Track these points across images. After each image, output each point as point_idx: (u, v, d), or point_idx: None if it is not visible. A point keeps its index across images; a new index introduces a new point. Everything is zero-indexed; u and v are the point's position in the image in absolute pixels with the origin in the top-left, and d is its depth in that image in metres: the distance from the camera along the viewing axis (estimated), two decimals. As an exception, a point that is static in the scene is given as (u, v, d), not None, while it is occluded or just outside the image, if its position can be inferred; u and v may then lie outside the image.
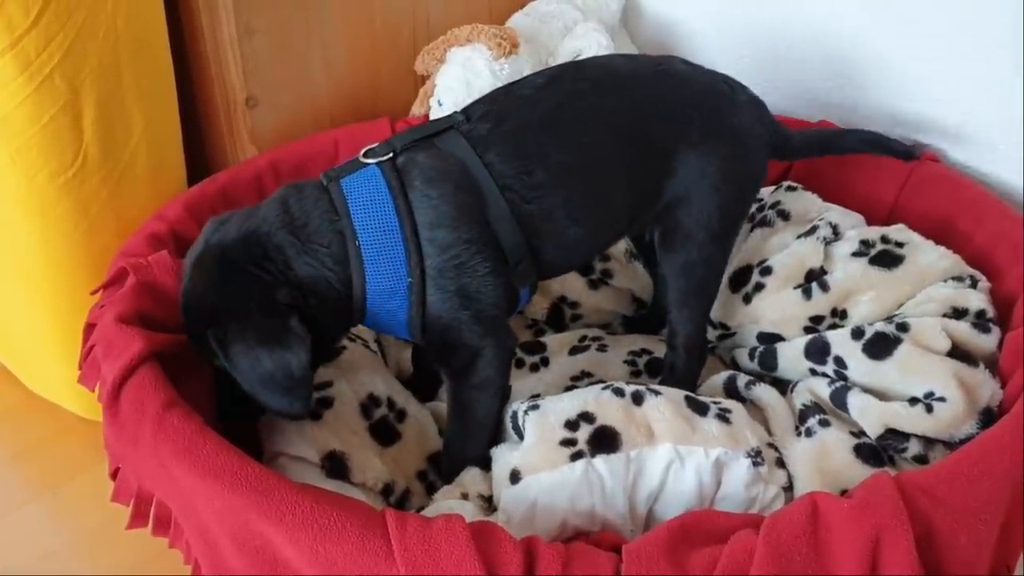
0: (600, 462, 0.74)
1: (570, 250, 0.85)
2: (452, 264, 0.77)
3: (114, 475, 0.80)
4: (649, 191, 0.86)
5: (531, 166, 0.80)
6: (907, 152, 1.00)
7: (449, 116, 0.83)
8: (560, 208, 0.81)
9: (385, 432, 0.88)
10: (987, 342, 0.85)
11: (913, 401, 0.82)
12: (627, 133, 0.84)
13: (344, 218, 0.77)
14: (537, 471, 0.75)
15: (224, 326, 0.73)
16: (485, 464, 0.81)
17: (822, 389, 0.87)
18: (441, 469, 0.87)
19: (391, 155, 0.80)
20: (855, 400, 0.84)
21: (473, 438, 0.84)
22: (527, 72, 1.15)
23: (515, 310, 0.85)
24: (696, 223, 0.86)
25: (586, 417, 0.77)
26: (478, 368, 0.81)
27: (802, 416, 0.86)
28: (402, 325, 0.80)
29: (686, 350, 0.92)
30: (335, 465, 0.82)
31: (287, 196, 0.79)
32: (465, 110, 0.84)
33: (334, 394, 0.87)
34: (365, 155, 0.80)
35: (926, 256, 0.93)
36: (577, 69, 0.87)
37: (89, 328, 0.86)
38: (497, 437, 0.84)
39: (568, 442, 0.76)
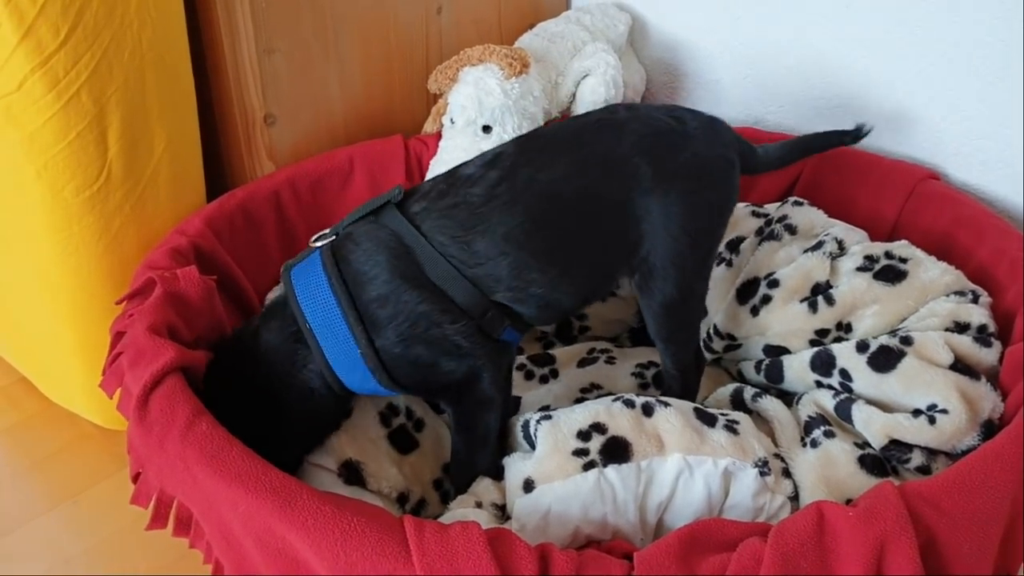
0: (612, 472, 0.76)
1: (542, 308, 0.83)
2: (400, 326, 0.78)
3: (135, 478, 0.81)
4: (613, 247, 0.85)
5: (471, 237, 0.80)
6: (856, 133, 0.99)
7: (388, 192, 0.84)
8: (509, 275, 0.80)
9: (403, 440, 0.90)
10: (988, 356, 0.87)
11: (916, 413, 0.83)
12: (573, 199, 0.82)
13: (295, 307, 0.80)
14: (550, 480, 0.77)
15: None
16: (496, 474, 0.83)
17: (827, 401, 0.89)
18: (452, 481, 0.89)
19: (334, 236, 0.83)
20: (859, 412, 0.85)
21: (478, 452, 0.85)
22: (537, 91, 1.17)
23: (504, 342, 0.85)
24: (671, 264, 0.85)
25: (598, 428, 0.79)
26: (473, 391, 0.83)
27: (807, 427, 0.88)
28: (379, 389, 0.81)
29: (681, 371, 0.92)
30: (351, 473, 0.84)
31: (260, 330, 0.83)
32: (408, 190, 0.85)
33: (353, 403, 0.89)
34: (315, 240, 0.84)
35: (929, 272, 0.94)
36: (521, 143, 0.87)
37: (118, 336, 0.87)
38: (504, 445, 0.86)
39: (580, 452, 0.77)
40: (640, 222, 0.84)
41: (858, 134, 0.99)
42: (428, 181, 0.86)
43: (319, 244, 0.83)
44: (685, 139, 0.86)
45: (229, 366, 0.84)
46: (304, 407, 0.82)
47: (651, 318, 0.89)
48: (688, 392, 0.94)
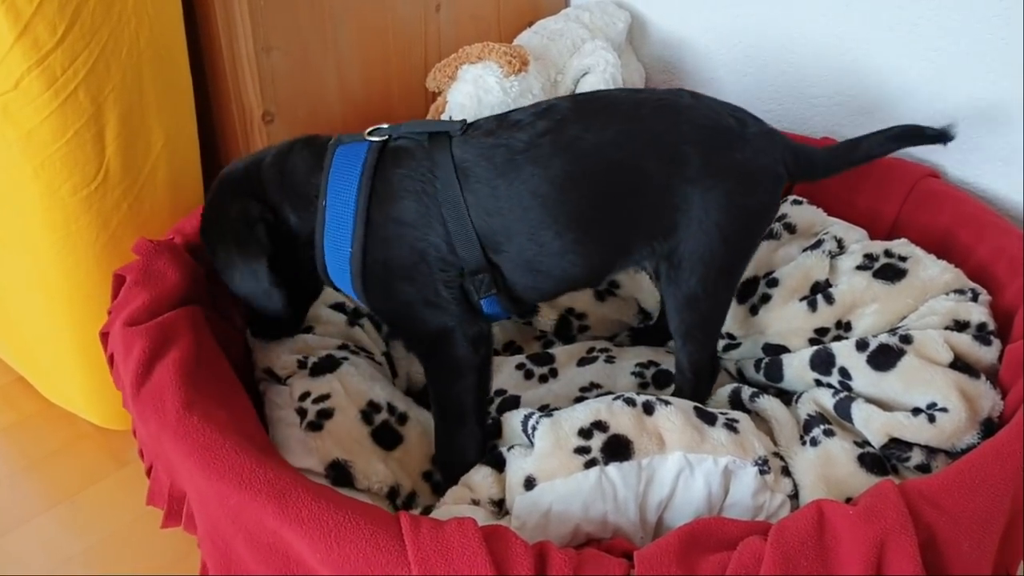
0: (613, 470, 0.76)
1: (541, 276, 0.84)
2: (395, 250, 0.82)
3: (149, 472, 0.81)
4: (642, 227, 0.85)
5: (499, 182, 0.82)
6: (941, 134, 0.92)
7: (452, 121, 0.88)
8: (524, 230, 0.82)
9: (387, 436, 0.90)
10: (988, 354, 0.87)
11: (916, 411, 0.83)
12: (614, 168, 0.83)
13: (323, 179, 0.84)
14: (552, 478, 0.77)
15: (212, 234, 0.88)
16: (495, 465, 0.82)
17: (826, 400, 0.89)
18: (437, 464, 0.89)
19: (387, 139, 0.86)
20: (859, 410, 0.85)
21: (458, 431, 0.86)
22: (536, 89, 1.17)
23: (479, 313, 0.86)
24: (699, 258, 0.85)
25: (599, 426, 0.79)
26: (443, 351, 0.84)
27: (807, 426, 0.88)
28: (350, 289, 0.85)
29: (694, 374, 0.92)
30: (339, 473, 0.84)
31: (295, 145, 0.88)
32: (466, 124, 0.87)
33: (333, 405, 0.89)
34: (370, 133, 0.87)
35: (928, 270, 0.94)
36: (575, 100, 0.87)
37: (104, 337, 0.88)
38: (487, 430, 0.87)
39: (582, 450, 0.77)
40: (676, 210, 0.84)
41: (947, 134, 0.92)
42: (481, 119, 0.88)
43: (372, 139, 0.86)
44: (741, 141, 0.85)
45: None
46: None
47: (674, 310, 0.89)
48: (698, 397, 0.93)
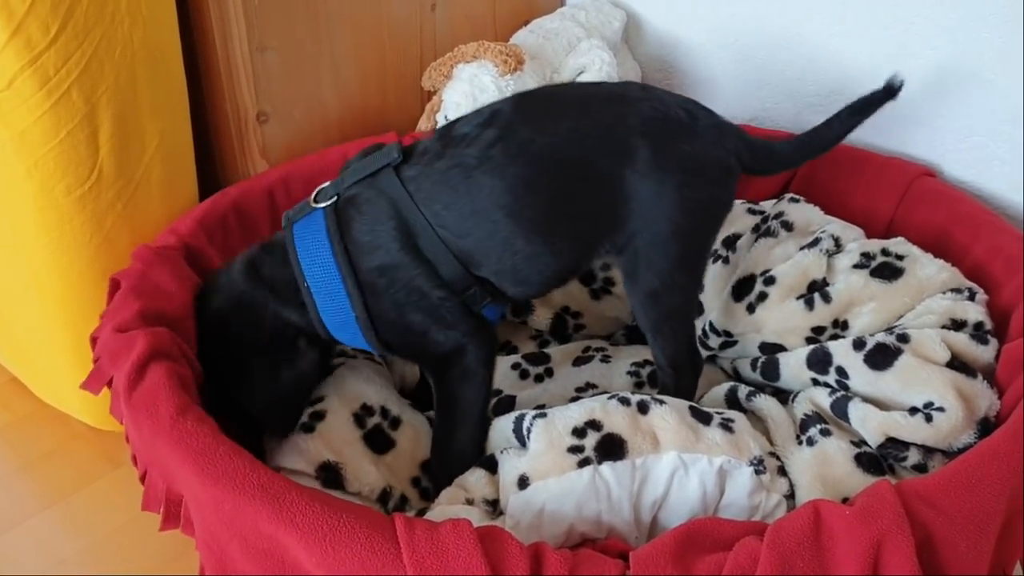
0: (607, 469, 0.76)
1: (523, 280, 0.85)
2: (397, 295, 0.82)
3: (142, 479, 0.81)
4: (600, 221, 0.85)
5: (460, 202, 0.81)
6: (887, 90, 0.93)
7: (387, 152, 0.86)
8: (498, 243, 0.82)
9: (379, 440, 0.89)
10: (985, 353, 0.87)
11: (913, 411, 0.83)
12: (565, 165, 0.82)
13: (295, 263, 0.83)
14: (545, 477, 0.76)
15: (239, 377, 0.85)
16: (489, 467, 0.82)
17: (823, 399, 0.89)
18: (431, 468, 0.88)
19: (336, 197, 0.84)
20: (855, 410, 0.85)
21: (460, 431, 0.86)
22: (532, 88, 1.17)
23: (485, 320, 0.87)
24: (655, 251, 0.85)
25: (593, 425, 0.78)
26: (457, 366, 0.84)
27: (803, 425, 0.87)
28: (367, 347, 0.86)
29: (673, 368, 0.91)
30: (330, 475, 0.84)
31: (255, 259, 0.87)
32: (406, 148, 0.86)
33: (326, 408, 0.89)
34: (315, 198, 0.86)
35: (925, 269, 0.94)
36: (519, 102, 0.87)
37: (93, 342, 0.88)
38: (487, 436, 0.86)
39: (576, 449, 0.77)
40: (629, 201, 0.83)
41: (892, 87, 0.93)
42: (423, 141, 0.87)
43: (321, 205, 0.85)
44: (691, 133, 0.85)
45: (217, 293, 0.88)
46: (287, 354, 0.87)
47: (637, 306, 0.89)
48: (683, 393, 0.92)
